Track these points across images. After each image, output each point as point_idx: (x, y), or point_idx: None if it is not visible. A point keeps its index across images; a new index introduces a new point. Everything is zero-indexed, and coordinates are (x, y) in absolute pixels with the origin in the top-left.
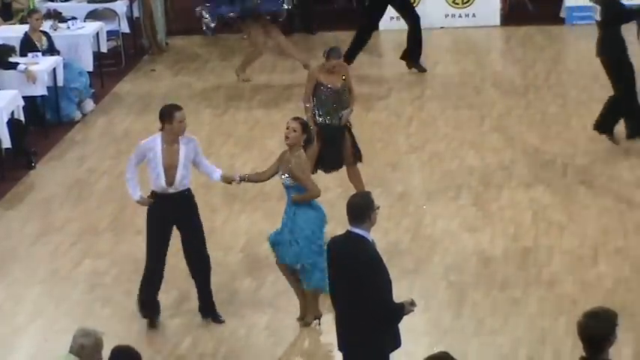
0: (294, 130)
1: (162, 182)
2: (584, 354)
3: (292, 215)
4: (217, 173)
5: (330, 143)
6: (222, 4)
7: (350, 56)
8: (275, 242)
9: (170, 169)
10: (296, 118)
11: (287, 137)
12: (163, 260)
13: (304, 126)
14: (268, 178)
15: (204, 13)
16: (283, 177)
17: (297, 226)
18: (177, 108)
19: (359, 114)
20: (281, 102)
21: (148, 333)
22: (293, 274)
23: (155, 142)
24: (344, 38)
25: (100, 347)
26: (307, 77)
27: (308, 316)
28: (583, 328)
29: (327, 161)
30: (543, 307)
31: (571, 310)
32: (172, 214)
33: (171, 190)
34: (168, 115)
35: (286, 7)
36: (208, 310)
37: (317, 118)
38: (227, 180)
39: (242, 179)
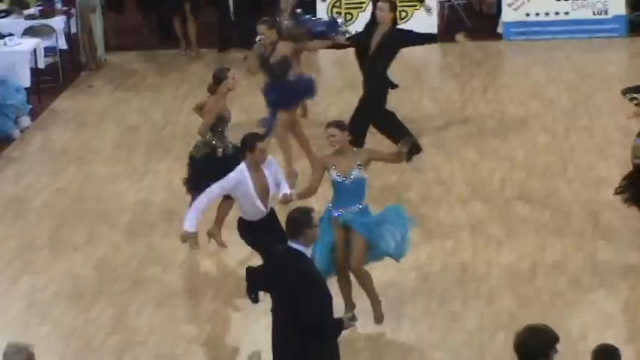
0: (333, 135)
1: (262, 209)
2: None
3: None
4: (284, 190)
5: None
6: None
7: None
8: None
9: (263, 195)
10: (329, 124)
11: (333, 144)
12: None
13: (340, 126)
14: (316, 190)
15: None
16: (353, 174)
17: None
18: (259, 138)
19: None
20: None
21: (86, 350)
22: None
23: (243, 174)
24: None
25: None
26: (211, 108)
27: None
28: (520, 342)
29: None
30: (482, 322)
31: (509, 324)
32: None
33: (264, 214)
34: (250, 145)
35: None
36: None
37: (218, 151)
38: (285, 201)
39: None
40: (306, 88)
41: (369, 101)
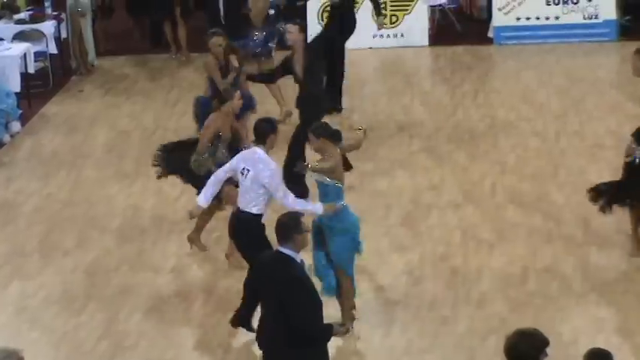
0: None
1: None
2: None
3: None
4: None
5: None
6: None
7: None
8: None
9: None
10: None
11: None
12: None
13: (312, 132)
14: None
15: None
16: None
17: None
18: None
19: (287, 134)
20: None
21: (76, 356)
22: None
23: (271, 160)
24: None
25: None
26: (209, 126)
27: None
28: (510, 346)
29: None
30: (472, 326)
31: (500, 329)
32: None
33: None
34: (273, 128)
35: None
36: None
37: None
38: None
39: None
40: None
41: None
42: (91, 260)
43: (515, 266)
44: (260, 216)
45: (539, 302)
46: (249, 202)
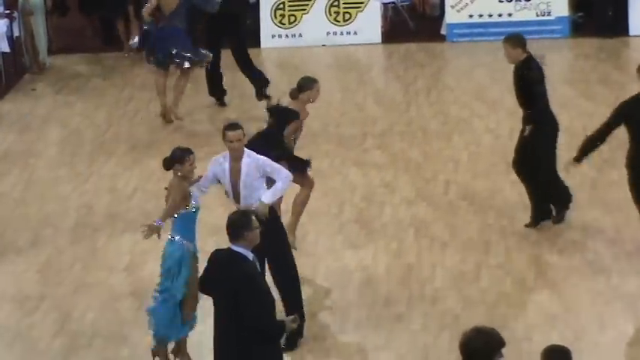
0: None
1: (232, 199)
2: None
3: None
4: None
5: None
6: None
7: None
8: None
9: (235, 187)
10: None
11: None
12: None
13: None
14: None
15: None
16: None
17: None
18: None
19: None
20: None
21: (30, 354)
22: None
23: (225, 157)
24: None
25: None
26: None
27: None
28: (465, 342)
29: None
30: (426, 323)
31: (454, 325)
32: None
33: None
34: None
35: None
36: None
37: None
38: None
39: None
40: None
41: None
42: (45, 259)
43: (469, 263)
44: None
45: (493, 299)
46: None
